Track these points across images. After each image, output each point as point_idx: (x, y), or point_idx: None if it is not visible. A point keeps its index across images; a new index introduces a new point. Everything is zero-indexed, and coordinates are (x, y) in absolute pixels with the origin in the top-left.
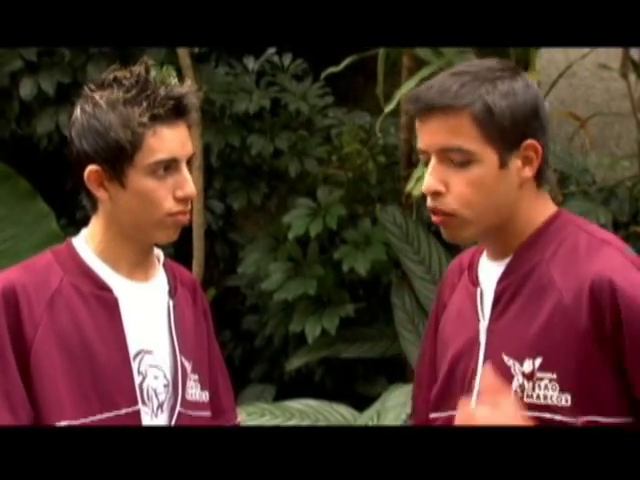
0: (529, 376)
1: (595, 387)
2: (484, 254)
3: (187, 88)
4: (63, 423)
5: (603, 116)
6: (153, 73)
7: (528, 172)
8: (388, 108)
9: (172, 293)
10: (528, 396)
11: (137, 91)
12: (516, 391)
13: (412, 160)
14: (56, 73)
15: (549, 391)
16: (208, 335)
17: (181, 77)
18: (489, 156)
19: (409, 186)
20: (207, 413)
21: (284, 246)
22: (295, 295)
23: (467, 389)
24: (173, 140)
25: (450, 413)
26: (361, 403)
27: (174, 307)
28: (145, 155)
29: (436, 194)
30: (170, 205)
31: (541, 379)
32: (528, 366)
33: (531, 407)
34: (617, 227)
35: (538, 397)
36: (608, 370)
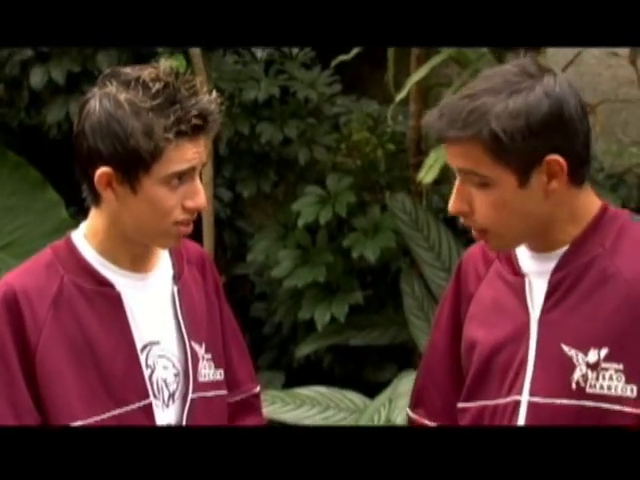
0: (593, 366)
1: None
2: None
3: (214, 103)
4: (75, 424)
5: (610, 103)
6: (178, 76)
7: (555, 185)
8: (399, 96)
9: (177, 278)
10: (591, 386)
11: (163, 100)
12: (578, 381)
13: (421, 147)
14: (66, 62)
15: (614, 382)
16: (220, 308)
17: (190, 65)
18: (506, 178)
19: (420, 174)
20: (223, 392)
21: (293, 234)
22: (304, 282)
23: (512, 379)
24: (192, 151)
25: (482, 403)
26: (369, 390)
27: (179, 292)
28: (163, 166)
29: (462, 214)
30: (177, 214)
31: (606, 369)
32: (593, 356)
33: (593, 397)
34: None
35: (602, 387)
36: None
